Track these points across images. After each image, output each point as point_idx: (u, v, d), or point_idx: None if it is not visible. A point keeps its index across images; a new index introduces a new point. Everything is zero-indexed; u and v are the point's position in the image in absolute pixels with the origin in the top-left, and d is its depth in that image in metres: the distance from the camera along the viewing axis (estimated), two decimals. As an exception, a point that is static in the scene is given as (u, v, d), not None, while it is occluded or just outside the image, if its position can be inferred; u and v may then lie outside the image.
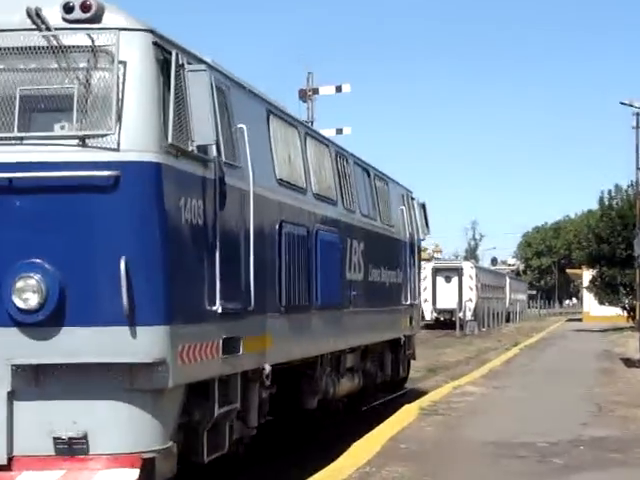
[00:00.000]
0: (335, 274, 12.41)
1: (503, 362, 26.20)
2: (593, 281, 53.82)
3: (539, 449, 10.98)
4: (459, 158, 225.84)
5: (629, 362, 25.64)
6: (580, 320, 73.82)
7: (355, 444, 11.35)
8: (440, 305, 59.07)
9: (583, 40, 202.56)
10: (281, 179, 10.54)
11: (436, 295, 59.36)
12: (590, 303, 69.28)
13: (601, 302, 56.96)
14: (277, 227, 10.16)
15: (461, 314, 55.20)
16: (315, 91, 46.91)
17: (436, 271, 60.28)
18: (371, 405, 17.49)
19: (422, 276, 61.10)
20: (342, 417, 15.12)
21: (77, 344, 7.19)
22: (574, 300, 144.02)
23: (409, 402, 16.02)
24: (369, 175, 15.90)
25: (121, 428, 7.29)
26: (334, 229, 12.55)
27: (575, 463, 10.18)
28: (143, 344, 7.26)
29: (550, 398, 16.67)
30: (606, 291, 52.81)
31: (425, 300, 59.76)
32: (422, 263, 65.25)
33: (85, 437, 7.17)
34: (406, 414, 14.13)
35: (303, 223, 11.18)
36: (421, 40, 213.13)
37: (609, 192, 51.65)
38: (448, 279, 59.84)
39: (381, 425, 13.25)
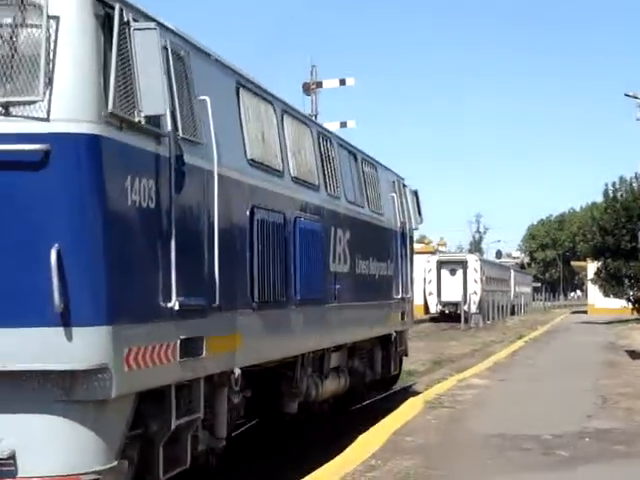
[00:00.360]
0: (317, 266, 11.30)
1: (508, 355, 26.03)
2: (598, 273, 53.57)
3: (544, 441, 10.87)
4: (464, 151, 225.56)
5: (634, 354, 25.44)
6: (585, 312, 73.60)
7: (360, 437, 11.33)
8: (445, 298, 58.98)
9: (586, 33, 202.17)
10: (253, 160, 9.41)
11: (441, 288, 59.30)
12: (595, 295, 69.06)
13: (606, 294, 56.73)
14: (248, 213, 9.07)
15: (466, 307, 54.99)
16: (319, 84, 46.79)
17: (441, 264, 60.21)
18: (361, 405, 16.74)
19: (427, 269, 62.35)
20: (328, 419, 14.35)
21: (1, 348, 6.16)
22: (579, 292, 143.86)
23: (403, 400, 15.64)
24: (356, 159, 14.65)
25: (56, 446, 6.30)
26: (316, 217, 11.47)
27: (580, 455, 10.10)
28: (80, 348, 6.21)
29: (555, 390, 16.45)
30: (611, 283, 52.59)
31: (430, 293, 59.91)
32: (427, 256, 66.41)
33: (13, 457, 6.18)
34: (411, 407, 14.06)
35: (279, 209, 10.04)
36: (428, 32, 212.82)
37: (613, 184, 51.32)
38: (453, 272, 59.74)
39: (386, 418, 13.21)
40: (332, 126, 49.01)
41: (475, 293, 58.05)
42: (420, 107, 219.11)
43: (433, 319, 58.22)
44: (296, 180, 10.91)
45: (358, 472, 9.00)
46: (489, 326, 54.67)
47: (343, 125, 47.77)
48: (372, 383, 16.40)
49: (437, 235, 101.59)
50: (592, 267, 58.55)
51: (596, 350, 28.27)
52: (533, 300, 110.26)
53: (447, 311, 58.43)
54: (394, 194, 17.00)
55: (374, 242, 15.14)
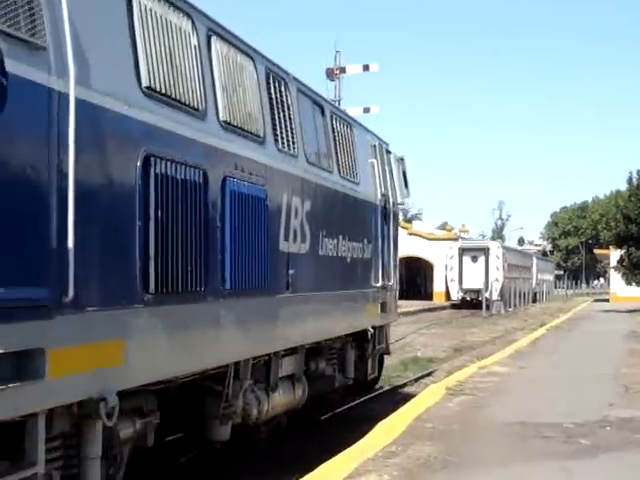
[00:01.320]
0: (259, 244, 8.68)
1: (529, 342, 25.71)
2: (621, 261, 53.19)
3: (565, 429, 10.73)
4: (487, 138, 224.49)
5: (657, 343, 25.49)
6: (607, 301, 73.27)
7: (381, 423, 11.34)
8: (466, 285, 58.94)
9: (601, 22, 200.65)
10: (151, 89, 6.76)
11: (462, 275, 59.28)
12: (617, 283, 68.77)
13: (628, 282, 56.41)
14: (139, 164, 6.45)
15: (487, 294, 54.88)
16: (342, 70, 46.74)
17: (463, 251, 60.14)
18: (333, 412, 14.40)
19: (449, 255, 62.25)
20: (283, 439, 11.77)
21: None
22: (601, 280, 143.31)
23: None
24: (323, 113, 11.86)
25: None
26: (258, 178, 8.77)
27: (602, 444, 9.93)
28: None
29: (576, 379, 16.12)
30: (634, 272, 52.23)
31: (452, 280, 59.90)
32: (449, 243, 66.14)
33: None
34: (432, 394, 14.03)
35: (197, 164, 7.37)
36: (452, 17, 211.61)
37: (638, 172, 50.96)
38: (475, 259, 59.62)
39: (407, 404, 13.22)
40: (355, 111, 48.96)
41: (497, 280, 57.93)
42: (443, 93, 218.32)
43: (454, 306, 58.26)
44: (227, 126, 8.23)
45: (379, 458, 8.95)
46: (510, 313, 54.52)
47: (366, 111, 47.70)
48: (345, 389, 13.83)
49: (459, 222, 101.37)
50: (615, 255, 58.24)
51: (618, 338, 27.98)
52: (555, 288, 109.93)
53: (468, 298, 58.40)
54: (374, 160, 14.08)
55: (345, 217, 12.30)
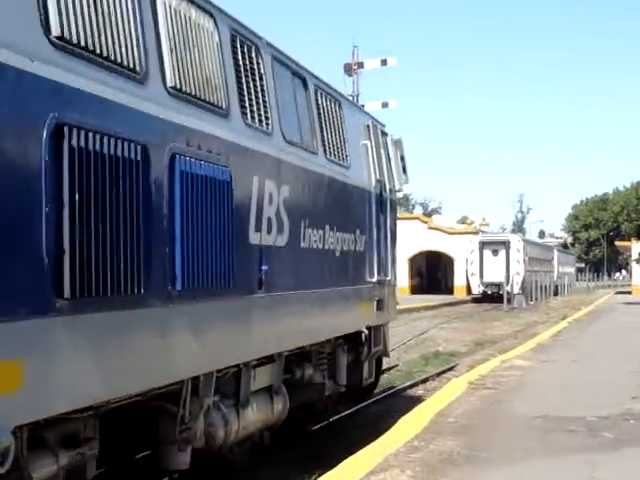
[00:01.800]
0: (221, 236, 7.39)
1: (551, 336, 25.57)
2: (642, 253, 53.24)
3: (589, 423, 10.64)
4: (506, 130, 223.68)
5: (680, 336, 25.32)
6: (629, 293, 72.84)
7: (403, 418, 11.31)
8: (487, 278, 58.75)
9: (607, 21, 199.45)
10: (65, 39, 5.49)
11: (483, 269, 59.11)
12: (639, 275, 68.62)
13: (650, 274, 56.39)
14: (45, 135, 5.22)
15: (508, 287, 54.69)
16: (360, 65, 46.71)
17: (483, 244, 59.93)
18: (327, 421, 13.04)
19: (469, 249, 62.12)
20: (264, 459, 10.38)
21: None
22: (623, 273, 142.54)
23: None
24: (306, 86, 10.43)
25: None
26: (220, 157, 7.45)
27: (626, 437, 9.86)
28: None
29: (599, 372, 16.00)
30: (656, 264, 52.26)
31: (472, 274, 59.74)
32: (469, 237, 66.14)
33: None
34: (454, 388, 14.00)
35: (133, 136, 6.07)
36: (471, 11, 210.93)
37: (659, 163, 50.97)
38: (495, 252, 59.41)
39: (429, 399, 13.21)
40: (373, 106, 48.95)
41: (518, 274, 57.71)
42: (462, 85, 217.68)
43: (475, 300, 58.12)
44: (177, 94, 6.90)
45: (401, 453, 8.93)
46: (532, 307, 54.30)
47: (385, 105, 47.68)
48: (339, 396, 12.58)
49: (479, 216, 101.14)
50: (637, 247, 58.09)
51: (641, 331, 27.97)
52: (576, 280, 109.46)
53: (489, 292, 58.20)
54: (367, 142, 12.68)
55: (333, 205, 10.89)
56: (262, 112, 8.77)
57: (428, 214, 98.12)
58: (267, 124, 8.87)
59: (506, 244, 59.32)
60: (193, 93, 7.20)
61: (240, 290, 7.94)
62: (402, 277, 69.75)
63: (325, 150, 10.70)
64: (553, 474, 8.33)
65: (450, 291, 69.96)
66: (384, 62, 46.16)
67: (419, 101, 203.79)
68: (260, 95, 8.77)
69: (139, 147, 6.15)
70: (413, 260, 72.13)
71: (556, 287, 78.40)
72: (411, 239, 69.02)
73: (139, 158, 6.13)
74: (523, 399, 12.80)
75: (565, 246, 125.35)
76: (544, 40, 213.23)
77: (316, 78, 10.83)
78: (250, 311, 8.28)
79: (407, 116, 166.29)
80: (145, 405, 7.02)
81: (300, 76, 10.35)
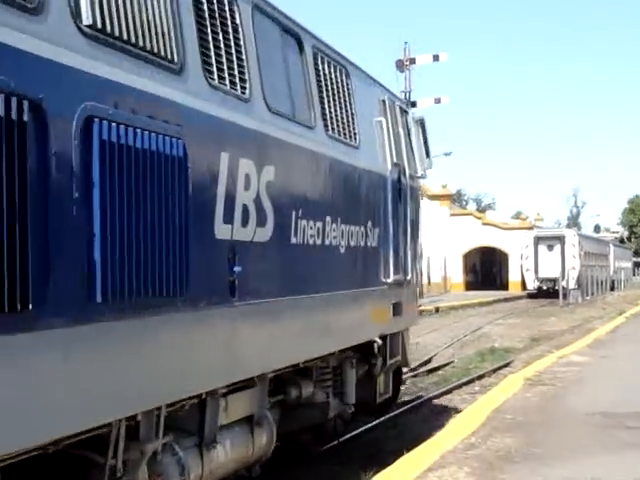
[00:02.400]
0: (169, 229, 5.59)
1: (608, 331, 25.23)
2: (701, 247, 52.44)
3: (648, 419, 10.40)
4: (560, 123, 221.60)
5: None
6: (689, 287, 72.03)
7: (459, 415, 11.31)
8: (542, 274, 58.28)
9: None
10: None
11: (538, 264, 58.66)
12: (698, 270, 67.59)
13: None
14: None
15: (564, 283, 54.22)
16: (412, 61, 46.62)
17: (538, 239, 59.46)
18: (338, 440, 11.42)
19: (524, 244, 61.75)
20: None
21: None
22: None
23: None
24: (301, 46, 8.56)
25: None
26: (169, 126, 5.66)
27: (687, 433, 9.79)
28: None
29: None
30: None
31: (527, 269, 59.31)
32: (524, 232, 65.78)
33: None
34: (510, 384, 13.94)
35: (20, 88, 4.35)
36: (521, 5, 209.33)
37: None
38: (550, 247, 58.92)
39: (485, 395, 13.17)
40: (426, 102, 48.86)
41: (573, 268, 57.17)
42: (515, 79, 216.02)
43: (530, 295, 57.72)
44: (96, 36, 5.08)
45: (459, 450, 8.89)
46: (588, 302, 53.70)
47: (437, 101, 47.54)
48: (346, 415, 10.72)
49: (533, 211, 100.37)
50: (695, 241, 57.19)
51: (700, 326, 27.54)
52: (633, 275, 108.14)
53: (545, 287, 57.75)
54: (383, 119, 10.79)
55: (337, 191, 9.14)
56: (236, 73, 6.87)
57: (482, 210, 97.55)
58: (243, 88, 6.94)
59: (561, 239, 58.79)
60: (123, 37, 5.33)
61: (200, 299, 6.10)
62: (456, 273, 69.57)
63: (326, 125, 8.85)
64: (612, 471, 8.23)
65: (505, 287, 69.55)
66: (436, 57, 45.96)
67: (472, 96, 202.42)
68: (234, 52, 6.86)
69: (26, 102, 4.35)
70: (467, 256, 71.84)
71: (612, 282, 77.49)
72: (465, 235, 68.78)
73: (26, 119, 4.35)
74: (581, 395, 12.67)
75: (622, 240, 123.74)
76: (602, 32, 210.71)
77: (316, 39, 8.98)
78: (216, 325, 6.43)
79: (460, 112, 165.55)
80: (67, 454, 5.27)
81: (293, 34, 8.43)
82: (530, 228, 67.50)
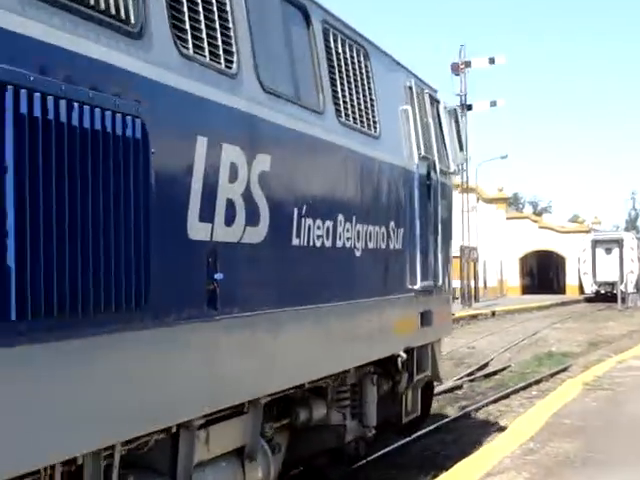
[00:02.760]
0: (121, 229, 4.54)
1: (669, 335, 25.32)
2: None
3: None
4: (618, 126, 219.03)
5: None
6: None
7: (517, 420, 11.21)
8: (600, 278, 57.62)
9: None
10: None
11: (596, 268, 58.00)
12: None
13: None
14: None
15: (622, 286, 53.59)
16: (467, 64, 46.44)
17: (596, 243, 58.83)
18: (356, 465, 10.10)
19: (582, 248, 61.14)
20: None
21: None
22: None
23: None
24: (308, 20, 7.36)
25: None
26: (121, 101, 4.57)
27: None
28: None
29: None
30: None
31: (585, 273, 58.69)
32: (581, 235, 65.12)
33: None
34: (569, 389, 13.80)
35: None
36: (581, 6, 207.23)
37: None
38: (608, 251, 58.24)
39: (543, 400, 13.04)
40: (481, 105, 48.63)
41: (632, 272, 56.43)
42: (571, 81, 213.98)
43: (588, 299, 57.09)
44: None
45: (517, 455, 8.80)
46: (647, 306, 53.14)
47: (493, 104, 47.34)
48: (368, 437, 9.37)
49: (591, 214, 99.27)
50: None
51: None
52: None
53: (603, 291, 57.08)
54: (409, 108, 9.68)
55: (352, 187, 8.00)
56: (219, 43, 5.75)
57: (538, 213, 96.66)
58: (229, 62, 5.81)
59: (619, 242, 58.13)
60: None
61: (166, 313, 5.02)
62: (513, 277, 69.03)
63: (338, 111, 7.70)
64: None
65: (562, 291, 68.89)
66: (492, 60, 45.77)
67: (529, 98, 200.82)
68: (216, 18, 5.74)
69: None
70: (524, 260, 71.27)
71: (673, 286, 76.33)
72: (521, 239, 68.24)
73: None
74: (641, 401, 12.50)
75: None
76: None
77: (327, 13, 7.76)
78: (190, 344, 5.29)
79: (517, 114, 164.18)
80: None
81: (298, 5, 7.27)
82: (587, 231, 66.79)
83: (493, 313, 42.54)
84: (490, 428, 11.74)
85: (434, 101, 10.82)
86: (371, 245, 8.34)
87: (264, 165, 6.16)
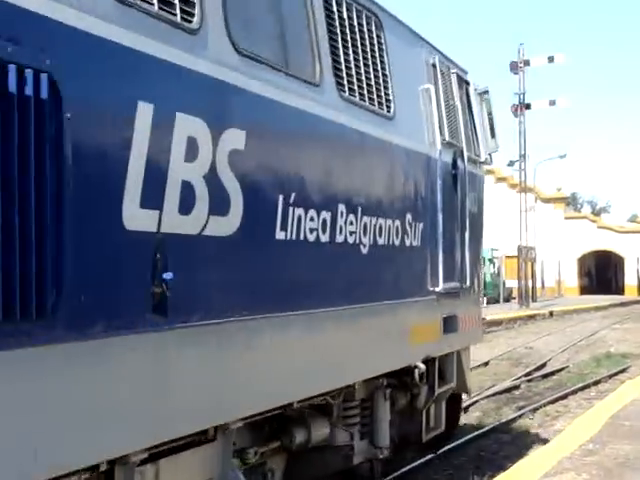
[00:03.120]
0: (12, 214, 3.52)
1: None
2: None
3: None
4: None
5: None
6: None
7: (576, 421, 11.07)
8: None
9: None
10: None
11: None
12: None
13: None
14: None
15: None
16: (526, 62, 46.05)
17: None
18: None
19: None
20: None
21: None
22: None
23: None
24: None
25: None
26: (13, 48, 3.50)
27: None
28: None
29: None
30: None
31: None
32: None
33: None
34: (628, 390, 13.61)
35: None
36: None
37: None
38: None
39: (602, 401, 12.86)
40: (540, 104, 48.15)
41: None
42: (630, 78, 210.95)
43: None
44: None
45: (576, 456, 8.66)
46: None
47: (552, 103, 46.89)
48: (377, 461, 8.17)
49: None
50: None
51: None
52: None
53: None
54: (431, 87, 8.47)
55: (358, 173, 6.79)
56: None
57: (596, 213, 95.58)
58: (186, 14, 4.72)
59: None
60: None
61: (90, 322, 3.99)
62: (570, 277, 68.35)
63: (340, 85, 6.55)
64: None
65: (620, 291, 68.05)
66: (551, 59, 45.30)
67: (588, 97, 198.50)
68: None
69: None
70: (582, 260, 70.51)
71: None
72: (580, 239, 67.54)
73: None
74: None
75: None
76: None
77: None
78: (125, 361, 4.23)
79: (575, 113, 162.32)
80: None
81: None
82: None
83: (551, 313, 42.14)
84: (548, 428, 11.61)
85: (463, 82, 9.66)
86: (381, 241, 7.15)
87: (237, 142, 5.03)
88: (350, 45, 6.83)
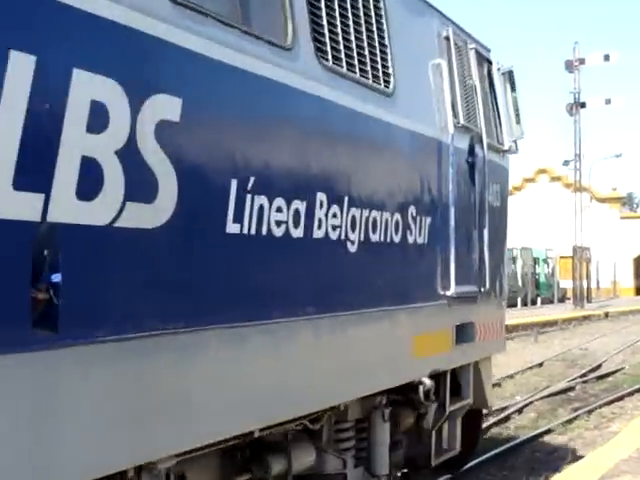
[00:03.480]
0: None
1: None
2: None
3: None
4: None
5: None
6: None
7: (632, 422, 10.91)
8: None
9: None
10: None
11: None
12: None
13: None
14: None
15: None
16: (581, 61, 45.56)
17: None
18: None
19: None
20: None
21: None
22: None
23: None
24: None
25: None
26: None
27: None
28: None
29: None
30: None
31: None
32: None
33: None
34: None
35: None
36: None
37: None
38: None
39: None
40: (595, 102, 47.59)
41: None
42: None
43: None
44: None
45: (633, 459, 8.50)
46: None
47: (607, 102, 46.35)
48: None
49: None
50: None
51: None
52: None
53: None
54: (442, 62, 7.29)
55: (341, 157, 5.73)
56: None
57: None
58: None
59: None
60: None
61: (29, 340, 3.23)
62: (626, 278, 67.50)
63: (321, 51, 5.48)
64: None
65: (678, 292, 67.16)
66: (607, 57, 44.78)
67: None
68: None
69: None
70: (638, 261, 69.60)
71: None
72: (636, 239, 66.68)
73: None
74: None
75: None
76: None
77: None
78: None
79: (632, 112, 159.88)
80: None
81: None
82: None
83: (606, 314, 41.63)
84: (604, 430, 11.44)
85: (484, 60, 8.49)
86: (376, 237, 6.03)
87: (168, 112, 3.99)
88: (337, 6, 5.71)
